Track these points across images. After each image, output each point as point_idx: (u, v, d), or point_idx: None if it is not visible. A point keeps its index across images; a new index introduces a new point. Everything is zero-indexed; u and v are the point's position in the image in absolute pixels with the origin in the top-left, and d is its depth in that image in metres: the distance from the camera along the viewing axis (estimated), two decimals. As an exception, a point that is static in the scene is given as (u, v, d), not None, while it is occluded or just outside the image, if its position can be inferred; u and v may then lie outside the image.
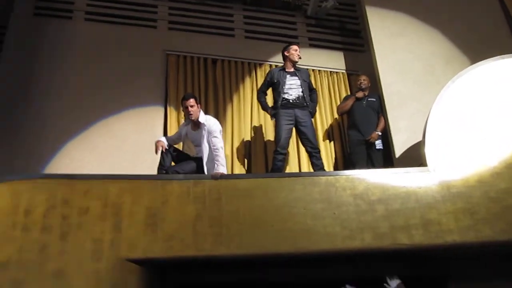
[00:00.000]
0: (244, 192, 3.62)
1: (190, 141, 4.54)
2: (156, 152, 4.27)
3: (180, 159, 4.38)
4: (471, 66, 4.38)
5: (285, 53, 5.09)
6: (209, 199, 3.55)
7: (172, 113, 5.52)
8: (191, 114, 4.36)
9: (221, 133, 4.42)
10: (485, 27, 5.97)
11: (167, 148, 4.28)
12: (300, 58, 5.07)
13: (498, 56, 4.35)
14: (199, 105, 4.44)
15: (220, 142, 4.27)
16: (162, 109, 5.53)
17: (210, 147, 4.25)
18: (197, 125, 4.42)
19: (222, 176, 3.72)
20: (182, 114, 5.52)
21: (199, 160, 4.31)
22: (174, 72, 5.80)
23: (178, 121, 5.49)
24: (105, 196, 3.44)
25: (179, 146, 4.77)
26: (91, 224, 3.33)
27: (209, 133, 4.29)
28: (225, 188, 3.62)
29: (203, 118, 4.40)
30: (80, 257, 3.21)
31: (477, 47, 5.63)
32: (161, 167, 4.25)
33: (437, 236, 3.56)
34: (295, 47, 5.09)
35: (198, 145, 4.40)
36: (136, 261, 3.29)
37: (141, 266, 3.33)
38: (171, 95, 5.63)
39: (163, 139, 4.41)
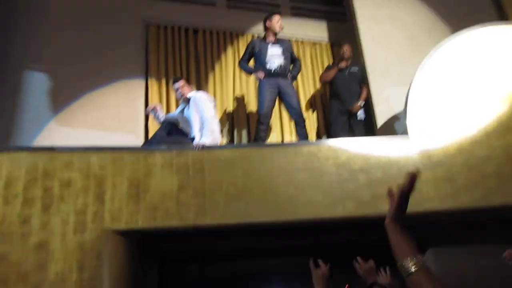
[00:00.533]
0: (227, 163, 3.62)
1: (186, 120, 4.48)
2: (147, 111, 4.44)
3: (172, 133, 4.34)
4: (452, 35, 4.39)
5: (267, 23, 5.02)
6: (192, 169, 3.55)
7: (153, 85, 5.45)
8: (183, 95, 4.43)
9: (212, 103, 4.37)
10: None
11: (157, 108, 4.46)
12: (282, 28, 5.01)
13: (479, 25, 4.36)
14: (189, 85, 4.53)
15: (207, 111, 4.19)
16: (143, 81, 5.45)
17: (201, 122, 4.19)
18: (187, 101, 4.42)
19: (204, 147, 3.70)
20: (164, 86, 5.47)
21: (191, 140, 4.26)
22: (155, 42, 5.69)
23: (160, 93, 5.43)
24: (87, 168, 3.40)
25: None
26: (74, 196, 3.31)
27: (196, 103, 4.26)
28: (208, 158, 3.62)
29: (192, 94, 4.40)
30: (63, 229, 3.20)
31: (459, 17, 5.61)
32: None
33: (417, 203, 3.62)
34: (277, 17, 5.01)
35: (191, 122, 4.35)
36: (120, 232, 3.29)
37: (125, 237, 3.33)
38: (151, 67, 5.55)
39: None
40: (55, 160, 3.39)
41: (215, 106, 4.47)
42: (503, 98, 4.04)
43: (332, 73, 5.40)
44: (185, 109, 4.50)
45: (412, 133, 3.92)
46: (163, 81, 5.50)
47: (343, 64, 5.38)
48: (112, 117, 5.05)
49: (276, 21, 4.98)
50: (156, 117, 4.55)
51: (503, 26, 4.37)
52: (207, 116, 4.16)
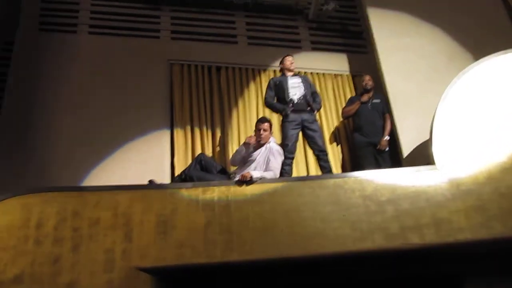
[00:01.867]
0: (253, 198, 3.63)
1: (248, 160, 4.41)
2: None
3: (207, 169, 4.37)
4: (475, 63, 4.37)
5: (281, 66, 5.26)
6: (218, 206, 3.56)
7: (178, 122, 5.55)
8: (263, 138, 4.38)
9: (281, 157, 4.39)
10: (487, 23, 5.95)
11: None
12: (292, 63, 5.18)
13: (502, 51, 4.33)
14: (272, 131, 4.50)
15: (279, 166, 4.27)
16: (168, 117, 5.57)
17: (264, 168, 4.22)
18: (259, 146, 4.40)
19: (245, 179, 3.70)
20: (188, 122, 5.56)
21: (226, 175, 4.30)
22: (179, 81, 5.83)
23: (185, 139, 5.50)
24: (115, 206, 3.45)
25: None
26: (102, 235, 3.35)
27: (272, 153, 4.28)
28: (233, 194, 3.63)
29: (271, 141, 4.45)
30: (92, 268, 3.23)
31: (480, 43, 5.60)
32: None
33: (448, 234, 3.54)
34: (289, 58, 5.23)
35: (250, 163, 4.34)
36: (148, 270, 3.30)
37: (153, 275, 3.33)
38: (176, 104, 5.66)
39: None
40: (84, 200, 3.46)
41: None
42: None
43: (354, 107, 5.40)
44: (252, 150, 4.42)
45: (439, 163, 3.86)
46: (188, 128, 5.56)
47: (365, 98, 5.38)
48: (138, 171, 5.05)
49: (290, 62, 5.18)
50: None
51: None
52: (276, 172, 4.20)
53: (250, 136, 4.46)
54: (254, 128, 5.57)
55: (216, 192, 3.62)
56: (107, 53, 5.74)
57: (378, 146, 5.16)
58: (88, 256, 3.26)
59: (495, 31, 5.84)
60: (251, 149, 4.41)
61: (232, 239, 3.45)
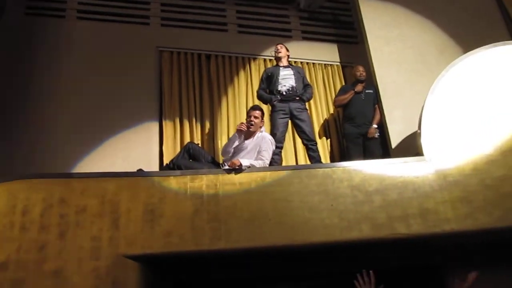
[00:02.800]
0: (241, 186, 3.62)
1: (238, 149, 4.38)
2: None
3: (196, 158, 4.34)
4: (464, 55, 4.38)
5: (274, 55, 5.25)
6: (206, 194, 3.55)
7: (167, 110, 5.52)
8: (253, 125, 4.36)
9: (272, 146, 4.37)
10: (477, 15, 5.97)
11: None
12: (279, 53, 5.14)
13: (491, 44, 4.35)
14: (263, 121, 4.49)
15: (270, 156, 4.24)
16: (157, 104, 5.53)
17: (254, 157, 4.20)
18: (251, 135, 4.39)
19: (234, 167, 3.69)
20: (177, 110, 5.53)
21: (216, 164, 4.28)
22: (168, 68, 5.79)
23: (174, 121, 5.47)
24: (102, 194, 3.43)
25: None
26: (89, 222, 3.32)
27: (265, 142, 4.27)
28: (222, 182, 3.62)
29: (263, 130, 4.45)
30: (79, 256, 3.20)
31: (470, 36, 5.63)
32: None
33: (434, 225, 3.58)
34: (278, 47, 5.21)
35: (240, 151, 4.31)
36: (135, 257, 3.28)
37: (140, 263, 3.33)
38: (165, 92, 5.62)
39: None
40: (71, 187, 3.43)
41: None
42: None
43: (348, 96, 5.40)
44: (243, 139, 4.40)
45: (427, 154, 3.89)
46: (177, 117, 5.54)
47: (359, 88, 5.37)
48: (127, 160, 5.06)
49: (281, 53, 5.15)
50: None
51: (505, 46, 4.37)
52: (266, 161, 4.17)
53: (241, 123, 4.44)
54: (244, 117, 5.60)
55: (204, 180, 3.60)
56: (96, 39, 5.66)
57: (367, 133, 5.19)
58: (74, 243, 3.24)
59: (486, 24, 5.87)
60: (243, 138, 4.40)
61: (219, 227, 3.45)
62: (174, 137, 5.45)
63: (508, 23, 5.94)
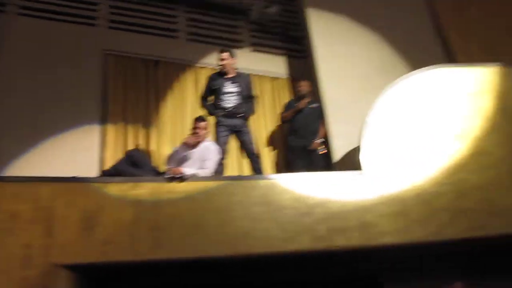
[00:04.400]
0: (184, 195, 3.58)
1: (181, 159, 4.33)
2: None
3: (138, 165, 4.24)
4: (404, 76, 4.56)
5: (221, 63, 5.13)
6: (147, 202, 3.48)
7: (111, 115, 5.37)
8: (199, 136, 4.36)
9: (218, 155, 4.37)
10: (419, 39, 6.26)
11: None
12: (222, 64, 5.06)
13: (429, 67, 4.57)
14: (208, 131, 4.51)
15: (214, 165, 4.22)
16: (100, 108, 5.37)
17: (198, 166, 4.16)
18: (196, 145, 4.35)
19: (174, 175, 3.65)
20: (121, 116, 5.40)
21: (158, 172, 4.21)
22: (114, 71, 5.65)
23: (118, 126, 5.33)
24: (36, 199, 3.27)
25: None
26: (21, 229, 3.16)
27: (209, 152, 4.27)
28: (164, 191, 3.56)
29: (207, 140, 4.43)
30: (8, 264, 3.04)
31: (412, 56, 5.90)
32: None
33: (373, 237, 3.69)
34: (221, 54, 5.11)
35: (185, 161, 4.27)
36: (69, 266, 3.15)
37: (75, 272, 3.19)
38: (110, 97, 5.47)
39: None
40: (2, 191, 3.25)
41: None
42: (453, 137, 4.21)
43: (290, 113, 5.48)
44: (189, 149, 4.35)
45: (367, 169, 4.01)
46: (121, 122, 5.41)
47: (302, 104, 5.44)
48: (65, 164, 4.78)
49: (222, 59, 5.08)
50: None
51: (452, 68, 4.61)
52: (210, 171, 4.15)
53: (188, 136, 4.42)
54: (190, 126, 5.54)
55: (146, 188, 3.53)
56: (39, 38, 5.42)
57: (310, 146, 5.27)
58: (4, 251, 3.07)
59: (425, 47, 6.16)
60: (188, 147, 4.36)
61: (160, 236, 3.39)
62: (117, 143, 5.31)
63: (445, 46, 6.28)
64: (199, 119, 4.53)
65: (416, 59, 5.67)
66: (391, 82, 4.51)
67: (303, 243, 3.54)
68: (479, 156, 4.15)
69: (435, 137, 4.22)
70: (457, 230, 3.81)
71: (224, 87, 4.95)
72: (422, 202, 3.91)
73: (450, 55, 6.13)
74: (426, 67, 4.59)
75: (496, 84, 4.50)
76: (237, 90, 4.98)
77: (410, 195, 3.93)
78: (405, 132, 4.22)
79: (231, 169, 5.52)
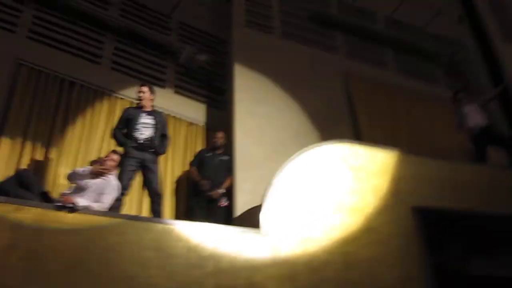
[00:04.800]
0: (71, 227, 3.35)
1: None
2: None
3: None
4: (314, 145, 4.78)
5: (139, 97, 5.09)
6: (28, 228, 3.21)
7: (9, 128, 5.01)
8: (107, 167, 4.35)
9: (116, 193, 4.29)
10: (334, 113, 6.68)
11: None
12: (140, 96, 5.03)
13: (337, 140, 4.85)
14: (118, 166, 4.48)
15: (108, 202, 4.12)
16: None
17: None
18: (99, 175, 4.25)
19: (65, 204, 3.44)
20: (21, 131, 5.05)
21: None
22: (24, 84, 5.32)
23: (14, 141, 4.97)
24: None
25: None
26: None
27: (109, 187, 4.20)
28: (49, 219, 3.31)
29: (112, 175, 4.37)
30: None
31: (326, 128, 6.24)
32: None
33: (259, 299, 3.68)
34: (141, 88, 5.09)
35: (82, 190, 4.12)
36: None
37: None
38: (13, 109, 5.12)
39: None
40: None
41: None
42: (348, 210, 4.42)
43: (195, 177, 5.45)
44: (89, 178, 4.23)
45: (264, 229, 4.05)
46: (19, 138, 5.06)
47: (215, 195, 5.32)
48: None
49: (140, 92, 5.05)
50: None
51: (356, 146, 4.92)
52: (105, 206, 4.06)
53: (96, 166, 4.35)
54: (94, 154, 5.33)
55: (29, 213, 3.26)
56: None
57: (211, 194, 5.26)
58: None
59: (337, 122, 6.57)
60: (90, 176, 4.17)
61: (35, 268, 3.11)
62: (11, 157, 4.91)
63: (354, 126, 6.75)
64: (115, 151, 4.51)
65: (328, 131, 6.00)
66: (303, 148, 4.71)
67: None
68: (369, 232, 4.37)
69: (331, 208, 4.40)
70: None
71: (140, 118, 4.86)
72: (312, 270, 3.99)
73: (358, 135, 6.58)
74: (334, 140, 4.86)
75: (392, 167, 4.86)
76: (153, 123, 4.91)
77: (301, 260, 4.00)
78: (305, 199, 4.36)
79: (129, 207, 5.29)
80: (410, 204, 4.62)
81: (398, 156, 4.95)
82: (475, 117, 6.35)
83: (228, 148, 5.71)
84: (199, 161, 5.57)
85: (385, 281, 4.16)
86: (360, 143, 5.10)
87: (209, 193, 5.27)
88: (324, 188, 4.50)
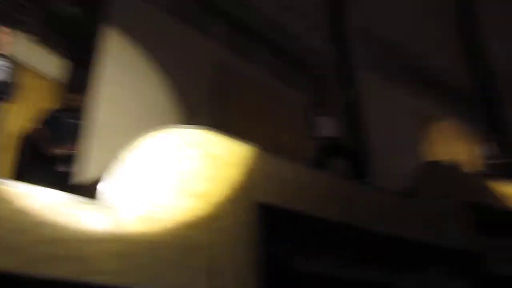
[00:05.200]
0: None
1: None
2: None
3: None
4: (164, 127, 4.55)
5: None
6: None
7: None
8: None
9: None
10: (199, 92, 6.68)
11: None
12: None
13: (193, 126, 4.79)
14: None
15: None
16: None
17: None
18: None
19: None
20: None
21: None
22: None
23: None
24: None
25: None
26: None
27: None
28: None
29: None
30: None
31: (190, 108, 6.21)
32: None
33: (84, 274, 3.46)
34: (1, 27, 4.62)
35: None
36: None
37: None
38: None
39: None
40: None
41: None
42: (192, 194, 4.40)
43: None
44: None
45: (106, 202, 3.82)
46: None
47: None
48: None
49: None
50: None
51: (212, 134, 4.89)
52: None
53: None
54: None
55: None
56: None
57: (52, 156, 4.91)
58: None
59: (201, 105, 6.59)
60: None
61: None
62: None
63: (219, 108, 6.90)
64: None
65: (192, 115, 5.98)
66: (159, 126, 4.57)
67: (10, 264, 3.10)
68: (213, 219, 4.35)
69: (179, 192, 4.33)
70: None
71: None
72: (151, 249, 3.86)
73: (218, 124, 6.64)
74: (195, 125, 4.82)
75: (247, 161, 4.97)
76: (6, 66, 4.46)
77: (142, 239, 3.86)
78: (154, 179, 4.22)
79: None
80: (255, 198, 4.81)
81: (255, 151, 5.11)
82: (327, 127, 6.92)
83: (83, 112, 5.34)
84: (50, 120, 5.13)
85: (223, 265, 4.29)
86: (220, 133, 5.14)
87: (50, 155, 4.88)
88: (175, 170, 4.43)
